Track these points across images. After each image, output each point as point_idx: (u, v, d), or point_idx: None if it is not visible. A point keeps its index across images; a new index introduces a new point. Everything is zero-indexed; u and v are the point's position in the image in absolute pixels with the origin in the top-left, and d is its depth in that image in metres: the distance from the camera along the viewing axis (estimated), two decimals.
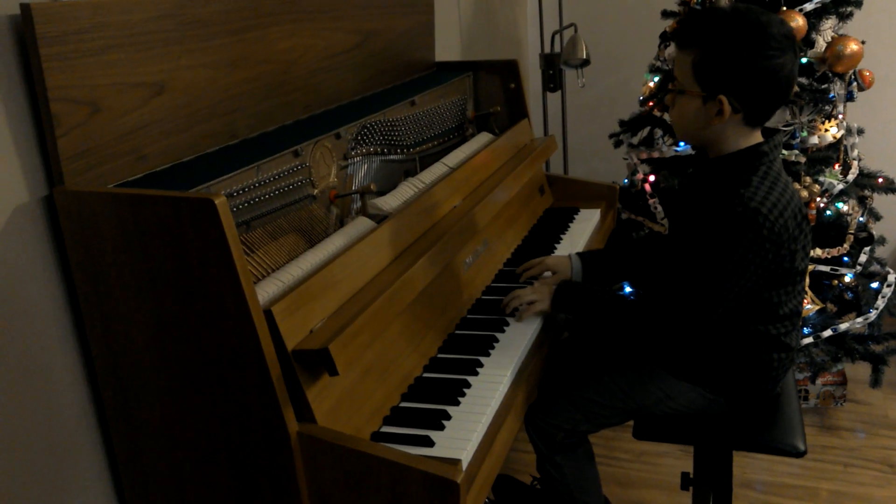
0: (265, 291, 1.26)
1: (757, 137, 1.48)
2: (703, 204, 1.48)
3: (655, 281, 1.65)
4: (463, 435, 1.30)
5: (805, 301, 2.40)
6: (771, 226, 1.37)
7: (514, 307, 1.69)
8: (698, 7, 2.43)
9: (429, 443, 1.28)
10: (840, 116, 2.42)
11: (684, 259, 1.48)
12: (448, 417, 1.35)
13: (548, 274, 1.83)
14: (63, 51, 1.17)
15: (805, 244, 1.49)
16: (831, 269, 2.44)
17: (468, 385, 1.46)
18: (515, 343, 1.61)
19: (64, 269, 1.28)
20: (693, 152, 2.37)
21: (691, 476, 1.81)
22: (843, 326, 2.42)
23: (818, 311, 2.45)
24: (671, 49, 2.00)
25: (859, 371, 2.66)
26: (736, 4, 1.54)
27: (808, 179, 2.40)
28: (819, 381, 2.55)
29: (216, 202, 1.09)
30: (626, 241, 1.95)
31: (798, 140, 2.40)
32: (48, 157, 1.21)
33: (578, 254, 1.86)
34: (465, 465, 1.24)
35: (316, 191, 1.60)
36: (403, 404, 1.41)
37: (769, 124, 2.37)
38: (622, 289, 2.49)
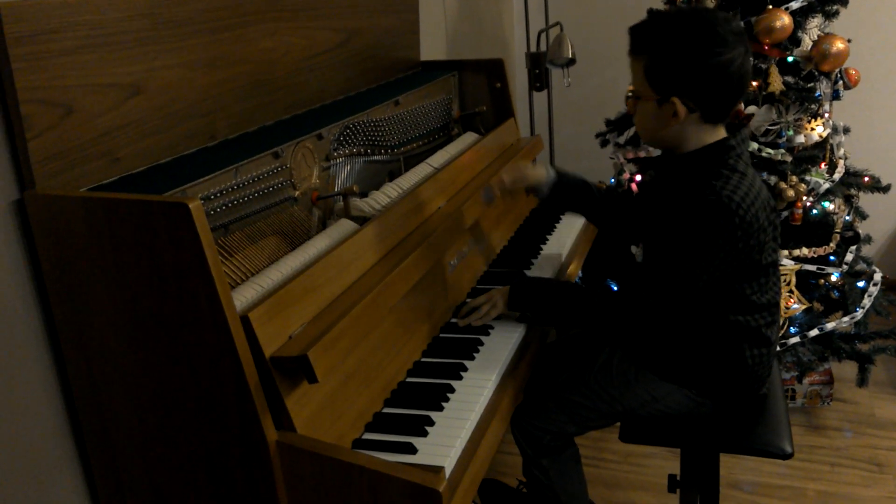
0: (243, 297, 1.24)
1: (721, 133, 1.49)
2: (674, 197, 1.48)
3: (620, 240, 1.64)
4: (446, 441, 1.28)
5: (791, 300, 2.40)
6: (744, 214, 1.38)
7: (470, 321, 1.66)
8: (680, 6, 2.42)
9: (412, 450, 1.25)
10: (826, 115, 2.42)
11: (653, 246, 1.47)
12: (432, 423, 1.33)
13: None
14: (34, 51, 1.13)
15: (775, 236, 1.51)
16: (818, 269, 2.44)
17: (452, 390, 1.44)
18: (500, 346, 1.59)
19: (36, 274, 1.25)
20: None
21: (678, 478, 1.79)
22: (830, 325, 2.41)
23: (805, 311, 2.45)
24: None
25: (846, 370, 2.66)
26: (683, 7, 1.54)
27: (795, 178, 2.39)
28: (806, 380, 2.55)
29: (190, 206, 1.06)
30: (605, 193, 1.83)
31: (784, 139, 2.39)
32: (19, 160, 1.18)
33: (557, 171, 1.78)
34: (448, 472, 1.22)
35: (297, 193, 1.58)
36: (386, 410, 1.39)
37: (754, 123, 2.37)
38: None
